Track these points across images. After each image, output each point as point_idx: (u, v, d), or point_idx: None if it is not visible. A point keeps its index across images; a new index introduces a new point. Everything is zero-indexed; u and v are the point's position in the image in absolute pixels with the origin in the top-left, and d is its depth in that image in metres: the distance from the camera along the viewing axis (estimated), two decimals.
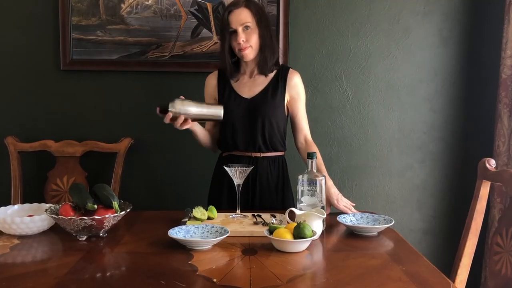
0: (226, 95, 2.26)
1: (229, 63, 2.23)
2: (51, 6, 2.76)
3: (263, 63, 2.20)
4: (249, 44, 2.15)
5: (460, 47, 2.88)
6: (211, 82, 2.33)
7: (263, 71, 2.23)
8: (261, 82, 2.25)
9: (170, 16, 2.77)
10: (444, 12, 2.85)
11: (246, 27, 2.13)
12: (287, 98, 2.26)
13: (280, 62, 2.72)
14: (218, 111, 2.08)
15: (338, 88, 2.88)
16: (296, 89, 2.27)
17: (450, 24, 2.86)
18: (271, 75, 2.27)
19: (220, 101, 2.27)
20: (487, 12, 2.84)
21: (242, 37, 2.13)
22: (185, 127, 2.08)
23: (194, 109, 2.04)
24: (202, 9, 2.77)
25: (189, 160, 2.85)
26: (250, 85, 2.26)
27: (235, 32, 2.14)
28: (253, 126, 2.20)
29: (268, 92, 2.23)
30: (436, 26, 2.87)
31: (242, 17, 2.12)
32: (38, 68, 2.81)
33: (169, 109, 2.01)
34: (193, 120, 2.08)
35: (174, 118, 2.03)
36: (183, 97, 2.05)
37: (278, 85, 2.24)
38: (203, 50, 2.79)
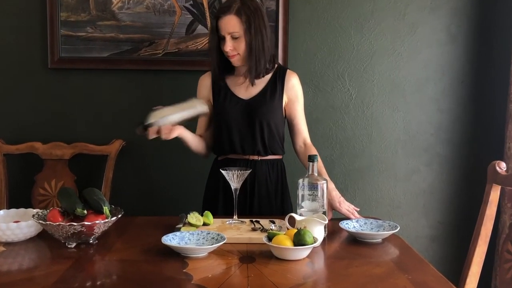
0: (221, 96, 2.27)
1: (216, 69, 2.25)
2: (38, 1, 2.77)
3: (252, 69, 2.20)
4: (236, 52, 2.16)
5: (469, 44, 2.88)
6: (205, 82, 2.34)
7: (254, 76, 2.23)
8: (258, 83, 2.26)
9: (164, 12, 2.77)
10: (452, 7, 2.86)
11: (234, 36, 2.14)
12: (285, 100, 2.27)
13: (280, 60, 2.74)
14: (199, 107, 2.06)
15: (340, 87, 2.88)
16: (294, 90, 2.28)
17: (459, 19, 2.87)
18: (268, 76, 2.28)
19: (215, 102, 2.28)
20: (497, 7, 2.85)
21: (229, 46, 2.14)
22: (173, 135, 2.07)
23: (173, 114, 2.04)
24: (197, 4, 2.78)
25: (184, 163, 2.85)
26: (247, 86, 2.26)
27: (224, 38, 2.15)
28: (251, 128, 2.21)
29: (266, 94, 2.24)
30: (444, 22, 2.87)
31: (230, 26, 2.12)
32: (24, 67, 2.81)
33: (148, 122, 2.00)
34: (180, 129, 2.08)
35: (158, 131, 2.02)
36: (159, 107, 2.05)
37: (276, 86, 2.26)
38: (199, 48, 2.80)
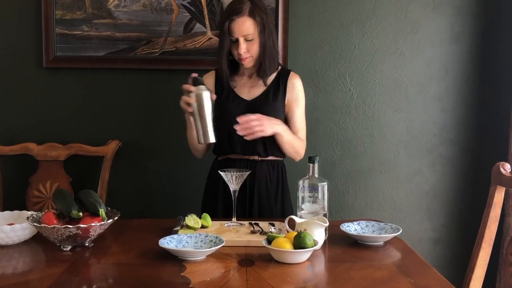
0: (224, 95, 2.28)
1: (227, 72, 2.25)
2: None
3: (262, 71, 2.24)
4: (249, 54, 2.17)
5: (472, 43, 2.89)
6: (208, 81, 2.34)
7: (262, 77, 2.26)
8: (261, 84, 2.28)
9: (161, 10, 2.77)
10: (456, 5, 2.86)
11: (248, 38, 2.14)
12: (286, 102, 2.28)
13: (279, 59, 2.73)
14: (210, 134, 2.04)
15: (341, 87, 2.89)
16: (294, 92, 2.29)
17: (462, 18, 2.87)
18: (272, 77, 2.29)
19: (217, 101, 2.28)
20: (501, 5, 2.85)
21: (243, 48, 2.15)
22: (187, 109, 2.04)
23: (205, 109, 2.02)
24: (195, 2, 2.78)
25: (182, 164, 2.85)
26: (250, 86, 2.28)
27: (236, 41, 2.15)
28: None
29: (269, 95, 2.25)
30: (447, 20, 2.87)
31: (245, 28, 2.13)
32: (19, 66, 2.81)
33: (195, 91, 2.00)
34: (192, 114, 2.05)
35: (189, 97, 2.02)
36: (214, 96, 2.05)
37: (279, 88, 2.27)
38: (197, 46, 2.80)
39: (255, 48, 2.17)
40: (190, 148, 2.36)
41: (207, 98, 2.02)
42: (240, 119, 2.04)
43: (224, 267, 1.58)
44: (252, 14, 2.13)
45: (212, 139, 2.04)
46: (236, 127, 2.03)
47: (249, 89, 2.28)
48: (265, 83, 2.26)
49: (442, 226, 2.98)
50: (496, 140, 2.90)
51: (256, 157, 2.27)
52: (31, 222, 1.73)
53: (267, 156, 2.28)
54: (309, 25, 2.85)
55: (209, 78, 2.35)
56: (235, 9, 2.14)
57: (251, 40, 2.15)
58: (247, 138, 2.07)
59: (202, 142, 2.05)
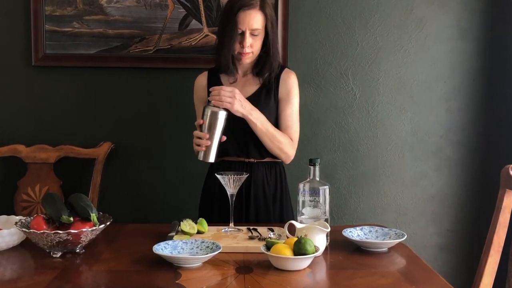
0: None
1: (231, 65, 2.24)
2: None
3: (266, 70, 2.24)
4: (251, 50, 2.18)
5: (480, 40, 2.89)
6: (200, 82, 2.35)
7: (261, 75, 2.26)
8: (254, 82, 2.28)
9: (155, 6, 2.78)
10: (463, 0, 2.87)
11: (254, 33, 2.15)
12: (278, 98, 2.29)
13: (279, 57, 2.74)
14: (211, 154, 2.10)
15: (343, 86, 2.89)
16: (286, 87, 2.29)
17: (469, 14, 2.88)
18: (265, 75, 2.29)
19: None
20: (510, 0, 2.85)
21: (248, 42, 2.15)
22: (199, 122, 2.11)
23: (216, 129, 2.08)
24: None
25: (178, 167, 2.85)
26: (243, 85, 2.28)
27: (241, 33, 2.16)
28: (245, 130, 2.21)
29: (261, 94, 2.26)
30: (454, 16, 2.88)
31: (254, 21, 2.14)
32: (6, 64, 2.81)
33: (212, 107, 2.08)
34: (201, 125, 2.11)
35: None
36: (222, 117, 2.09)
37: (272, 86, 2.28)
38: (192, 44, 2.80)
39: (258, 44, 2.18)
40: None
41: (221, 119, 2.08)
42: (214, 87, 2.11)
43: (221, 275, 1.58)
44: (263, 9, 2.15)
45: (211, 159, 2.12)
46: (211, 89, 2.10)
47: (242, 88, 2.27)
48: (263, 82, 2.26)
49: (449, 231, 2.98)
50: (506, 142, 2.90)
51: (252, 159, 2.27)
52: (20, 228, 1.73)
53: (263, 158, 2.28)
54: (310, 21, 2.85)
55: (201, 79, 2.35)
56: (246, 1, 2.15)
57: (256, 35, 2.16)
58: (215, 103, 2.09)
59: (201, 159, 2.12)
